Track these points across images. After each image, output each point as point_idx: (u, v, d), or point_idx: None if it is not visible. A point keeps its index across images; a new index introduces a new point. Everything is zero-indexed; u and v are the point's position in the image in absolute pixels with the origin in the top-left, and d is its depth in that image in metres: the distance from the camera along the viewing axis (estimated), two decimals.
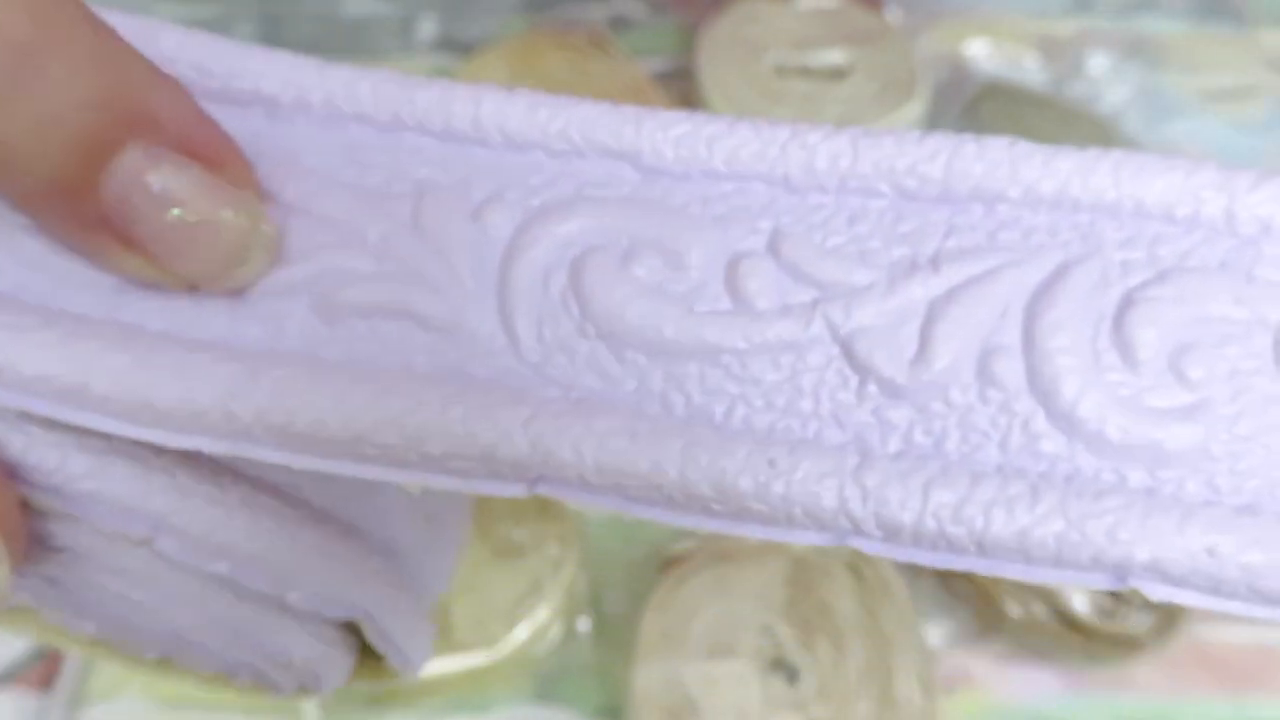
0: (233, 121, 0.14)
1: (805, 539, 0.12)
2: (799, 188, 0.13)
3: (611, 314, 0.13)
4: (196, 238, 0.13)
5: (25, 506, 0.15)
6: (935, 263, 0.13)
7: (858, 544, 0.12)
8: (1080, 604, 0.33)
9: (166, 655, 0.17)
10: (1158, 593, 0.12)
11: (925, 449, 0.12)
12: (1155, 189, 0.13)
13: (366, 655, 0.18)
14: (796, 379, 0.12)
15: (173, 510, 0.15)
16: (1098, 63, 0.46)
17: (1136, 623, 0.33)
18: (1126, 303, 0.12)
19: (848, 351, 0.12)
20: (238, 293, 0.14)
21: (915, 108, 0.41)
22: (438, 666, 0.30)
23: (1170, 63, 0.47)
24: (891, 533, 0.12)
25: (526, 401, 0.13)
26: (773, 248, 0.13)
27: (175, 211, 0.13)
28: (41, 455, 0.14)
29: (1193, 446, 0.12)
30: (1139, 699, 0.34)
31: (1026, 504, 0.12)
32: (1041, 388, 0.12)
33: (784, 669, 0.31)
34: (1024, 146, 0.13)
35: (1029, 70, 0.46)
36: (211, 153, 0.13)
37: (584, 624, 0.32)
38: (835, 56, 0.43)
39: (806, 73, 0.43)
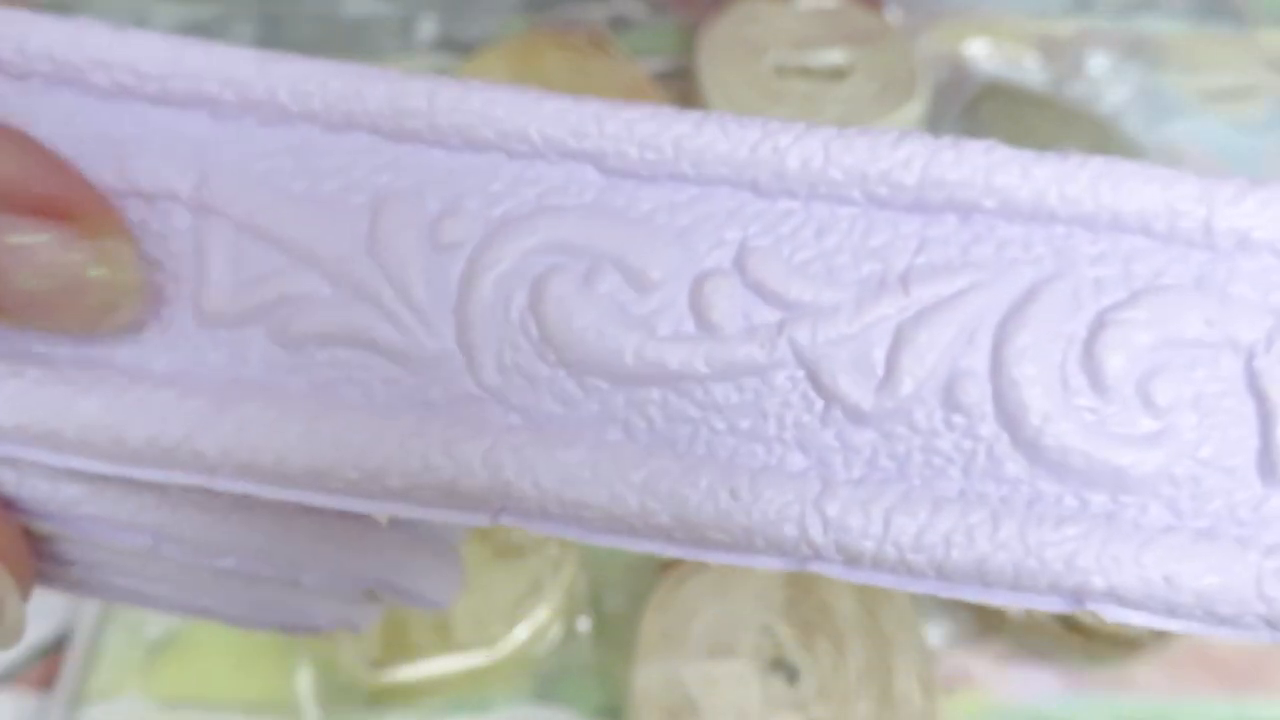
0: (175, 126, 0.14)
1: (766, 564, 0.12)
2: (768, 193, 0.13)
3: (572, 339, 0.12)
4: (57, 298, 0.13)
5: (28, 535, 0.15)
6: (905, 282, 0.12)
7: (818, 569, 0.12)
8: None
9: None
10: (1113, 615, 0.12)
11: (888, 473, 0.12)
12: (1133, 201, 0.12)
13: None
14: (760, 402, 0.12)
15: (168, 521, 0.15)
16: (1098, 63, 0.46)
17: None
18: (1098, 325, 0.12)
19: (813, 375, 0.12)
20: (201, 319, 0.13)
21: (915, 108, 0.41)
22: (438, 666, 0.30)
23: (1170, 63, 0.47)
24: (852, 559, 0.12)
25: (486, 432, 0.13)
26: (739, 264, 0.13)
27: (26, 278, 0.12)
28: (34, 487, 0.14)
29: (1156, 471, 0.12)
30: (1139, 699, 0.34)
31: (986, 531, 0.12)
32: (1007, 413, 0.12)
33: (784, 669, 0.31)
34: (1002, 154, 0.13)
35: (1029, 70, 0.46)
36: (63, 206, 0.13)
37: (584, 624, 0.32)
38: (835, 56, 0.43)
39: (806, 73, 0.43)
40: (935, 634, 0.33)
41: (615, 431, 0.13)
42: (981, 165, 0.12)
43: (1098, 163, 0.13)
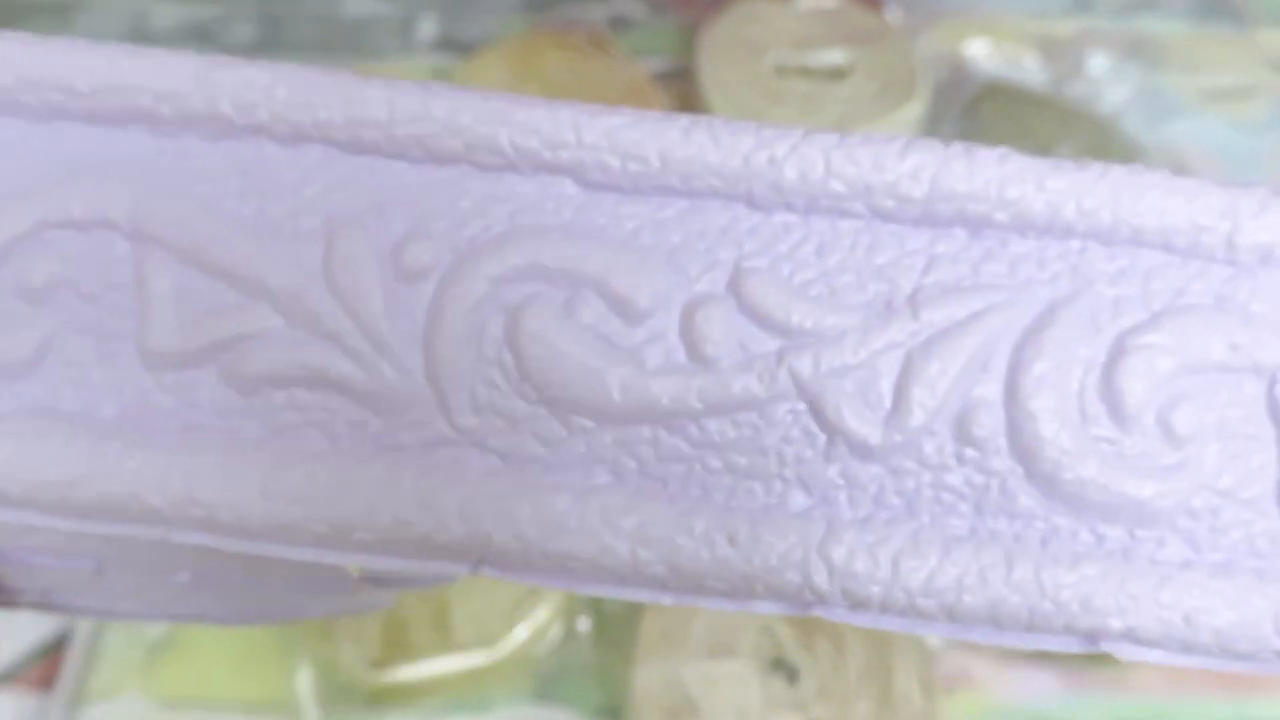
0: (111, 147, 0.13)
1: (765, 610, 0.12)
2: (763, 206, 0.12)
3: (554, 376, 0.12)
4: None
5: None
6: (913, 304, 0.11)
7: (821, 613, 0.12)
8: None
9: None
10: (1128, 654, 0.11)
11: (896, 511, 0.11)
12: (1154, 214, 0.12)
13: None
14: (759, 438, 0.11)
15: (108, 546, 0.14)
16: (1098, 63, 0.46)
17: None
18: (1118, 351, 0.11)
19: (815, 408, 0.11)
20: (147, 359, 0.12)
21: (915, 108, 0.41)
22: (438, 666, 0.30)
23: (1170, 63, 0.47)
24: (858, 604, 0.11)
25: (462, 479, 0.12)
26: (734, 287, 0.12)
27: None
28: None
29: (1175, 504, 0.11)
30: (1139, 699, 0.34)
31: (1000, 574, 0.11)
32: (1023, 446, 0.11)
33: (784, 669, 0.31)
34: (1016, 164, 0.12)
35: (1029, 70, 0.46)
36: None
37: (584, 624, 0.32)
38: (835, 56, 0.43)
39: (806, 73, 0.43)
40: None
41: (602, 474, 0.12)
42: (995, 176, 0.12)
43: (1117, 174, 0.12)
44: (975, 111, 0.43)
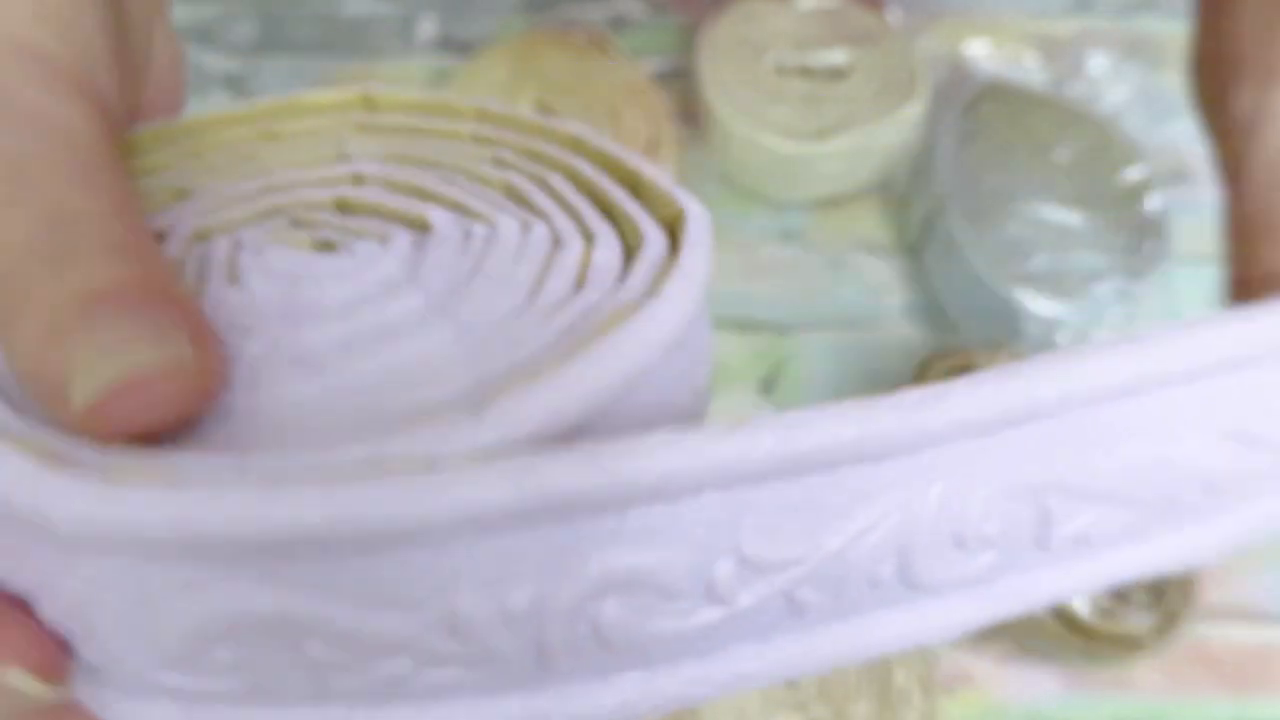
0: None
1: None
2: (755, 482, 0.15)
3: (631, 641, 0.15)
4: None
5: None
6: (832, 532, 0.16)
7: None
8: (1080, 604, 0.33)
9: None
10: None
11: (826, 614, 0.16)
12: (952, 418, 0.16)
13: None
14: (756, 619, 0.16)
15: None
16: (1098, 63, 0.46)
17: (1136, 623, 0.33)
18: (956, 535, 0.16)
19: (787, 597, 0.16)
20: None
21: (915, 108, 0.41)
22: None
23: (1170, 63, 0.47)
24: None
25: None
26: (739, 554, 0.15)
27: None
28: None
29: (974, 576, 0.17)
30: (1139, 699, 0.34)
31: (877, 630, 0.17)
32: (908, 577, 0.17)
33: None
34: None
35: (1029, 70, 0.46)
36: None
37: None
38: (835, 56, 0.43)
39: (806, 73, 0.43)
40: None
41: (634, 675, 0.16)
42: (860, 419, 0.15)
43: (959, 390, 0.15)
44: (975, 111, 0.43)
